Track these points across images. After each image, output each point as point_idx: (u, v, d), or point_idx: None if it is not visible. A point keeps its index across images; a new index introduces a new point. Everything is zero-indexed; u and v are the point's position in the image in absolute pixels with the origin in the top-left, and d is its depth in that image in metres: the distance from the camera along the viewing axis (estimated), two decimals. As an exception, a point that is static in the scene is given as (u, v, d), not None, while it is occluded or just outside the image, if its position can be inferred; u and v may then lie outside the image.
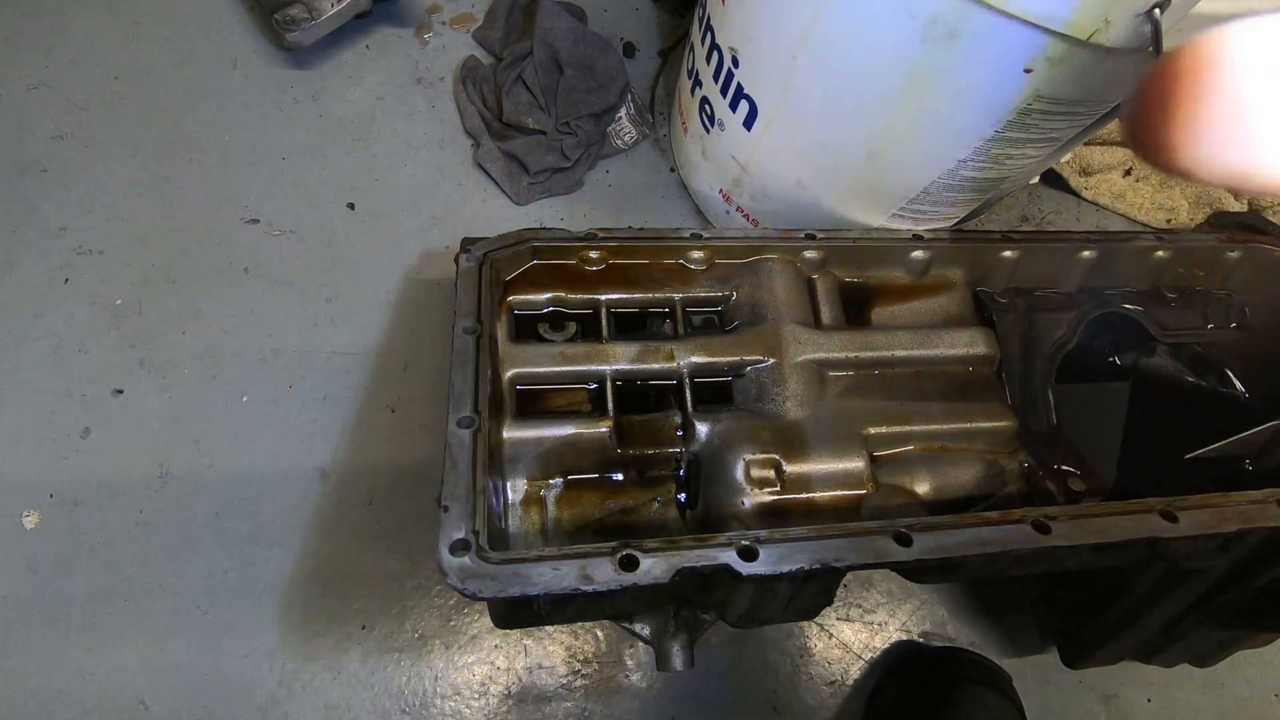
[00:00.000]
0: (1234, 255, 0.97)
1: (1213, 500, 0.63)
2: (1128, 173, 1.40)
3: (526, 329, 0.80)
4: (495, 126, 1.06)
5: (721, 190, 0.99)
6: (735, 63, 0.80)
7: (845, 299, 0.87)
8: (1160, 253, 0.94)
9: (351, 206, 1.04)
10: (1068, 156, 0.81)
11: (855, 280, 0.87)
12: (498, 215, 1.06)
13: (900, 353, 0.82)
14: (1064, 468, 0.80)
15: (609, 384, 0.76)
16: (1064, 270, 0.93)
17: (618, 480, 0.76)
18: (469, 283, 0.69)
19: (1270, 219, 1.30)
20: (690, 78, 0.98)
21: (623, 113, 1.11)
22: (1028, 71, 0.58)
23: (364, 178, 1.06)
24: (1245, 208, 1.36)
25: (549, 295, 0.80)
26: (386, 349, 0.94)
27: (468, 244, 0.80)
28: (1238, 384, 1.06)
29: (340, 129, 1.09)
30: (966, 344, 0.84)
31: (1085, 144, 1.40)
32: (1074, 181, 1.36)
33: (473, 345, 0.63)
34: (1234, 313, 1.00)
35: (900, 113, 0.69)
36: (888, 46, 0.62)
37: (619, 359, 0.77)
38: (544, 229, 0.81)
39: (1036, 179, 0.82)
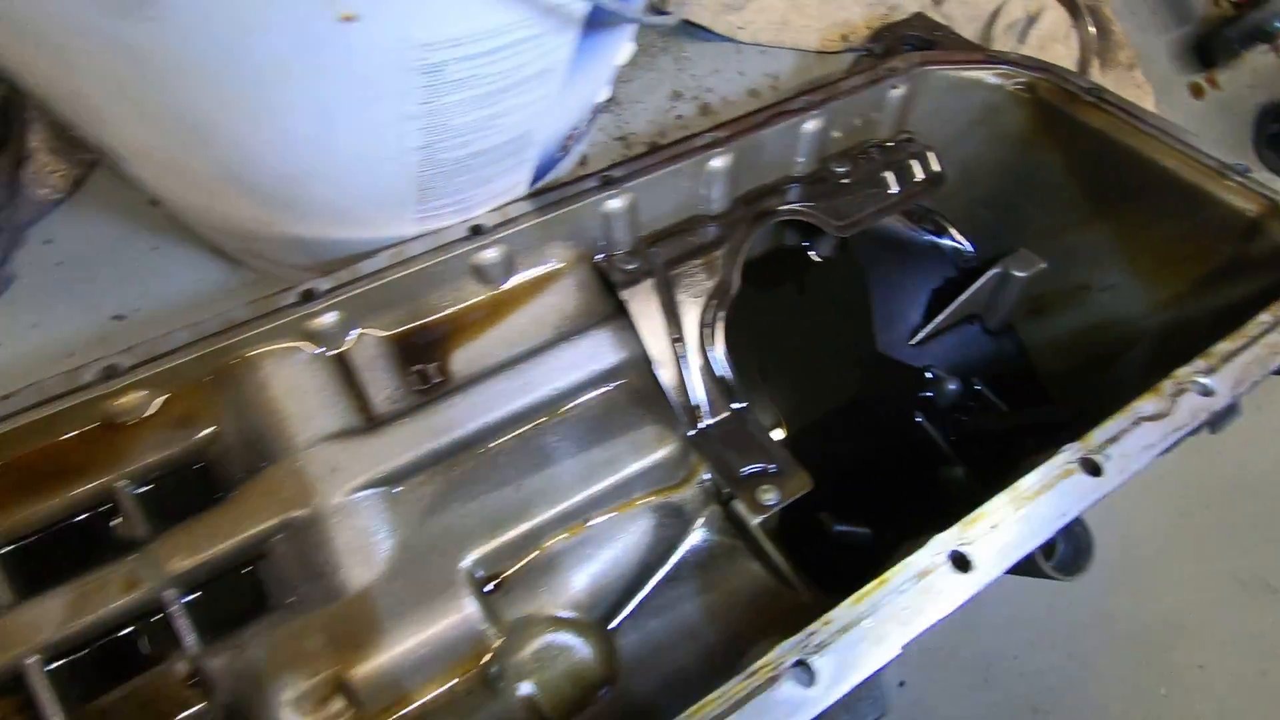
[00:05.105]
0: (898, 92, 0.77)
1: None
2: (785, -9, 1.15)
3: None
4: None
5: (200, 229, 0.66)
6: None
7: (405, 358, 0.60)
8: (809, 125, 0.72)
9: None
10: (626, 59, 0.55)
11: (410, 327, 0.60)
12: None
13: (493, 416, 0.58)
14: (751, 469, 0.61)
15: (34, 674, 0.47)
16: (703, 190, 0.69)
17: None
18: None
19: (941, 18, 1.08)
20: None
21: (35, 144, 0.71)
22: (350, 19, 0.29)
23: None
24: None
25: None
26: None
27: None
28: (955, 235, 0.92)
29: None
30: (586, 360, 0.61)
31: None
32: (721, 26, 1.10)
33: None
34: (922, 163, 0.81)
35: (263, 114, 0.39)
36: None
37: (43, 626, 0.48)
38: None
39: (633, 52, 0.55)
